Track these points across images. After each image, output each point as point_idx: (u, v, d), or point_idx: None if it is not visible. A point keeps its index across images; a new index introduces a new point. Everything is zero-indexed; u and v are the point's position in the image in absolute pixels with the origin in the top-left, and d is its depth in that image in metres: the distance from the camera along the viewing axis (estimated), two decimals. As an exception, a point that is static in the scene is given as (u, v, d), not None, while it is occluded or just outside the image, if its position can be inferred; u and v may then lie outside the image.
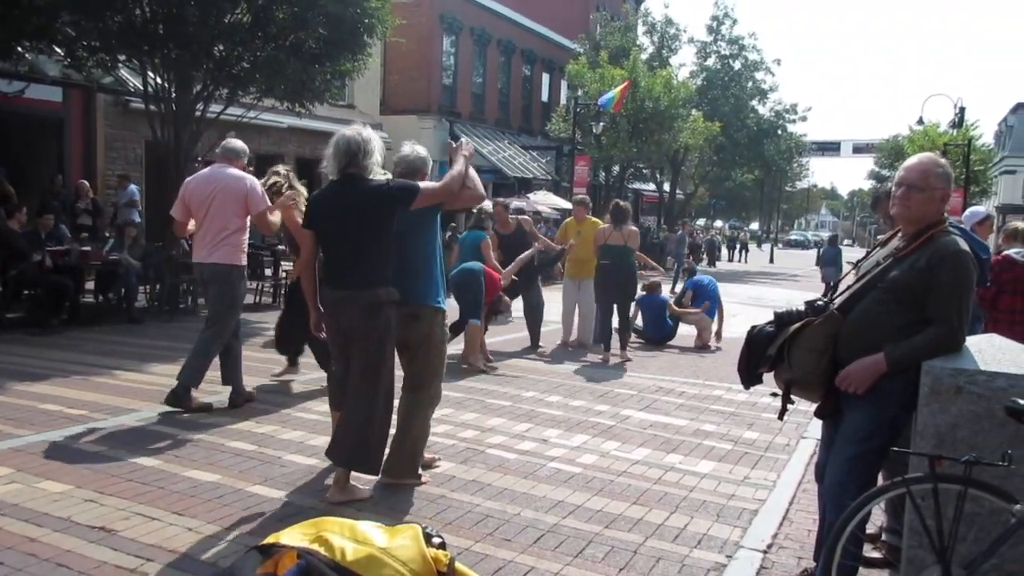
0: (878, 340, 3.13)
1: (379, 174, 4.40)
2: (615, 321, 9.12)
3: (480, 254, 8.52)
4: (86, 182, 14.28)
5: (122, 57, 12.27)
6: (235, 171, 6.30)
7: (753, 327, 3.46)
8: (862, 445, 3.16)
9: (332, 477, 4.44)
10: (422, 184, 4.35)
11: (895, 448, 3.17)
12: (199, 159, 13.71)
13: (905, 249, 3.20)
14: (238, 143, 6.53)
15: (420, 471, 4.70)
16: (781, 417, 3.51)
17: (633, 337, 10.26)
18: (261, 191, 6.30)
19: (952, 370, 3.01)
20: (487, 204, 9.19)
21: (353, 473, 4.39)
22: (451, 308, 5.63)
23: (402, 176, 4.54)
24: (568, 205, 25.03)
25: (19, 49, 11.44)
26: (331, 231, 4.31)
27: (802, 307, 3.35)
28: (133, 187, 15.04)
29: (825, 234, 79.85)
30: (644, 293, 10.53)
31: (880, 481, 3.35)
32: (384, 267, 4.28)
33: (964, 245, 3.13)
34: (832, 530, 2.99)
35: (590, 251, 9.41)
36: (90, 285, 11.00)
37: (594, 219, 10.38)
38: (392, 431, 4.54)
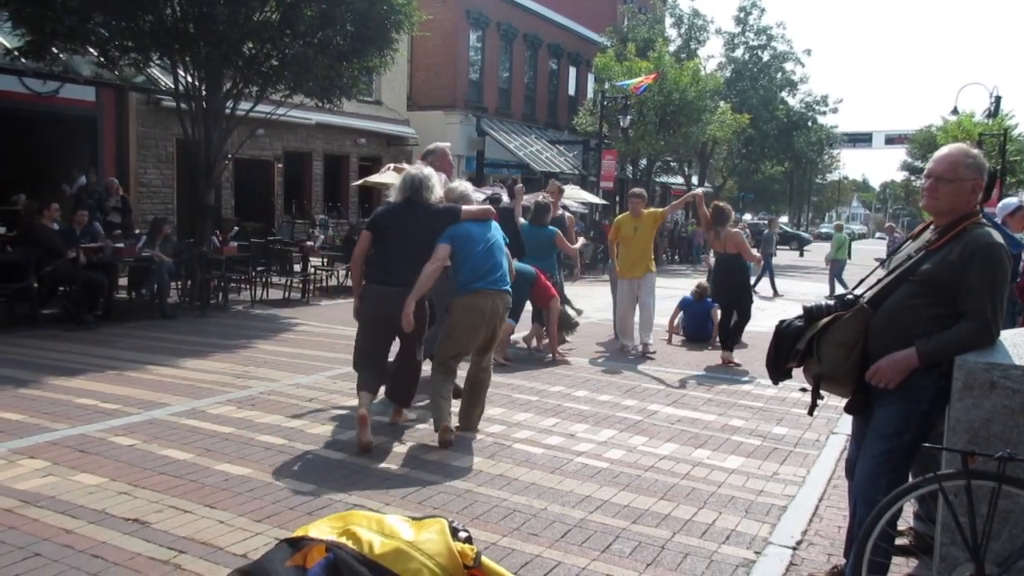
0: (909, 334, 3.09)
1: (440, 197, 5.64)
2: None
3: (553, 247, 8.92)
4: (115, 180, 14.47)
5: (154, 56, 12.43)
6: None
7: (782, 322, 3.43)
8: (892, 440, 3.13)
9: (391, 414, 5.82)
10: (463, 207, 5.57)
11: (927, 444, 3.13)
12: (229, 156, 13.88)
13: (937, 242, 3.15)
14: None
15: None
16: (811, 412, 3.48)
17: (674, 334, 10.35)
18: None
19: (986, 364, 2.96)
20: (544, 196, 9.47)
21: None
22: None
23: (455, 202, 5.67)
24: (596, 199, 25.02)
25: (53, 49, 11.64)
26: (390, 238, 5.38)
27: (832, 301, 3.33)
28: (83, 179, 14.33)
29: (857, 227, 78.68)
30: (691, 297, 10.46)
31: (910, 477, 3.32)
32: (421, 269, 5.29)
33: (998, 237, 3.07)
34: (863, 526, 2.96)
35: (648, 247, 9.16)
36: (123, 281, 11.19)
37: (653, 210, 9.68)
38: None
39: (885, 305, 3.19)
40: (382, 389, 5.67)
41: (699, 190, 10.39)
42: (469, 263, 5.45)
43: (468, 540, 1.74)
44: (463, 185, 5.97)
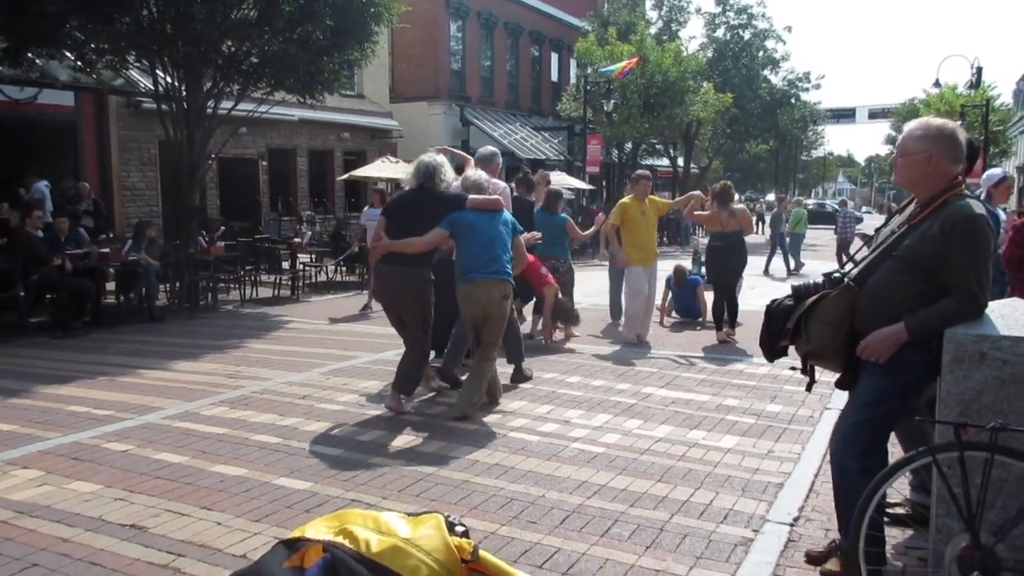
0: (893, 310, 3.10)
1: (450, 183, 6.01)
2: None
3: (564, 234, 8.96)
4: (87, 184, 14.20)
5: (131, 58, 12.32)
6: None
7: (773, 301, 3.45)
8: (870, 410, 3.17)
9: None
10: (471, 196, 5.84)
11: (919, 418, 3.15)
12: (212, 156, 13.78)
13: (918, 216, 3.16)
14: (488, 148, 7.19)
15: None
16: (809, 389, 3.51)
17: (666, 315, 10.42)
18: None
19: (976, 336, 2.97)
20: (557, 184, 9.58)
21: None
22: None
23: (467, 191, 5.94)
24: (582, 185, 25.00)
25: (29, 55, 11.52)
26: (401, 223, 5.77)
27: (820, 280, 3.33)
28: (41, 184, 13.58)
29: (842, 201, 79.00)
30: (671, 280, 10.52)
31: (898, 453, 3.35)
32: (430, 252, 5.82)
33: (978, 208, 3.06)
34: (859, 503, 2.97)
35: (654, 233, 8.99)
36: (110, 286, 11.12)
37: (657, 199, 9.43)
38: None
39: (870, 282, 3.20)
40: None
41: (698, 192, 10.46)
42: (468, 252, 5.73)
43: (465, 534, 1.74)
44: (477, 174, 6.20)
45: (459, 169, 6.75)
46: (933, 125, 3.17)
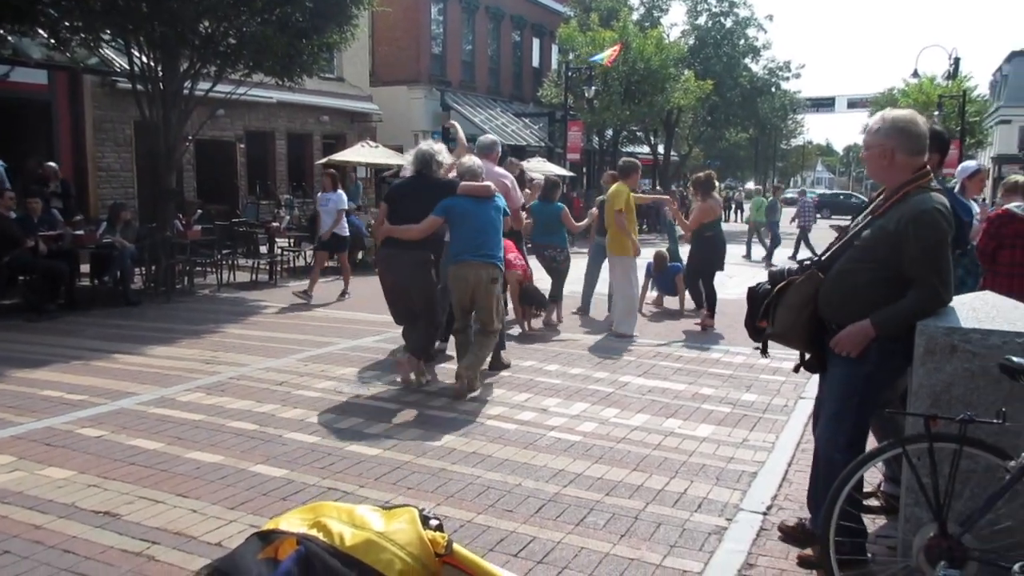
0: (853, 296, 3.21)
1: (445, 166, 6.36)
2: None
3: (560, 223, 9.00)
4: (53, 164, 13.76)
5: (106, 36, 12.10)
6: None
7: (758, 284, 3.60)
8: (842, 402, 3.28)
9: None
10: (462, 183, 6.13)
11: (889, 410, 3.21)
12: (189, 138, 13.61)
13: (881, 207, 3.26)
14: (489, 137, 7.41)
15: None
16: (763, 353, 3.65)
17: (647, 302, 10.47)
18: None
19: (947, 329, 3.01)
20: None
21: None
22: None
23: (462, 177, 6.23)
24: (563, 171, 24.97)
25: (1, 32, 11.29)
26: (400, 208, 6.13)
27: (793, 266, 3.51)
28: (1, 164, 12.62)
29: (822, 191, 79.49)
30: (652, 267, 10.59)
31: (874, 443, 3.42)
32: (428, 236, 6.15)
33: (936, 202, 3.11)
34: (831, 491, 3.02)
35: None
36: (85, 268, 10.98)
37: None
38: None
39: (833, 269, 3.31)
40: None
41: (668, 198, 10.55)
42: (461, 236, 6.10)
43: (439, 528, 1.74)
44: (472, 160, 6.47)
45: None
46: (889, 118, 3.24)
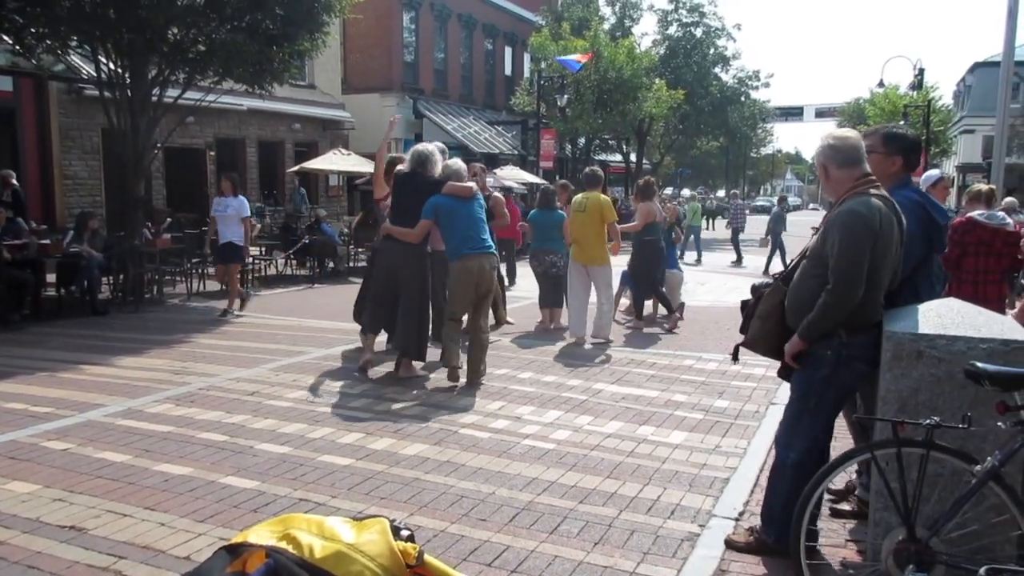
0: (799, 304, 3.34)
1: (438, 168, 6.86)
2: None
3: (560, 231, 9.08)
4: (11, 172, 13.38)
5: (73, 43, 11.94)
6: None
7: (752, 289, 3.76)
8: (800, 404, 3.41)
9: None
10: (449, 183, 6.65)
11: (857, 415, 3.27)
12: (158, 145, 13.45)
13: (826, 216, 3.45)
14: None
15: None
16: (735, 359, 3.80)
17: (620, 310, 10.50)
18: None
19: (913, 335, 3.06)
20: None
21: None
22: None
23: (447, 178, 6.71)
24: (536, 179, 25.03)
25: (-37, 38, 11.10)
26: (398, 201, 6.81)
27: (771, 280, 3.65)
28: None
29: (792, 199, 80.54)
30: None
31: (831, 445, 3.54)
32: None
33: (860, 203, 3.22)
34: (800, 497, 3.05)
35: None
36: (52, 278, 10.80)
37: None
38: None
39: (792, 280, 3.46)
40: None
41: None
42: (454, 233, 6.56)
43: (411, 539, 1.73)
44: (456, 163, 7.02)
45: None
46: (823, 136, 3.44)
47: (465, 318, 6.88)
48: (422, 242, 6.79)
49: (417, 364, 6.97)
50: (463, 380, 6.64)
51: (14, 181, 12.90)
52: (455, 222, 6.55)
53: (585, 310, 8.71)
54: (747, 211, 25.48)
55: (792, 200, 77.90)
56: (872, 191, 3.27)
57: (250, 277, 13.26)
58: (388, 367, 7.09)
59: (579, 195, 8.86)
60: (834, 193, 3.41)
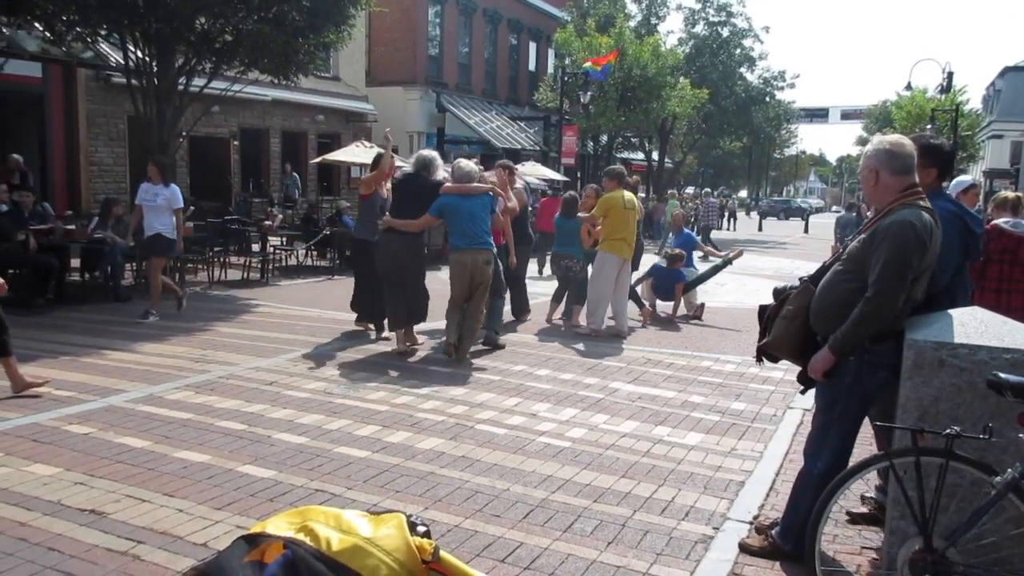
0: (828, 307, 3.32)
1: (440, 174, 7.66)
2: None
3: (578, 236, 9.30)
4: (17, 156, 13.35)
5: (102, 31, 12.06)
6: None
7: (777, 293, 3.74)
8: (826, 414, 3.40)
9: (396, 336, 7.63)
10: (446, 184, 7.41)
11: (878, 423, 3.25)
12: (183, 134, 13.57)
13: (869, 223, 3.38)
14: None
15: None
16: (758, 360, 3.80)
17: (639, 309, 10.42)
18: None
19: (935, 343, 3.03)
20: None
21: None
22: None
23: (457, 180, 7.39)
24: (557, 176, 25.00)
25: (-5, 24, 11.25)
26: (397, 199, 7.68)
27: (798, 282, 3.60)
28: None
29: (814, 201, 79.73)
30: (663, 264, 10.57)
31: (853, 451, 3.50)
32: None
33: (912, 216, 3.17)
34: (816, 505, 3.04)
35: None
36: (76, 263, 10.93)
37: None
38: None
39: (821, 282, 3.42)
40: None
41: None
42: (456, 229, 7.28)
43: (427, 534, 1.74)
44: (468, 166, 7.58)
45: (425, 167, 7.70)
46: (876, 140, 3.38)
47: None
48: (420, 233, 7.64)
49: (420, 338, 7.93)
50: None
51: (24, 166, 13.04)
52: (457, 219, 7.23)
53: (608, 304, 8.97)
54: (720, 208, 27.58)
55: (815, 202, 77.25)
56: (920, 203, 3.24)
57: (270, 267, 13.34)
58: (400, 365, 7.12)
59: (622, 193, 8.85)
60: (877, 200, 3.34)
